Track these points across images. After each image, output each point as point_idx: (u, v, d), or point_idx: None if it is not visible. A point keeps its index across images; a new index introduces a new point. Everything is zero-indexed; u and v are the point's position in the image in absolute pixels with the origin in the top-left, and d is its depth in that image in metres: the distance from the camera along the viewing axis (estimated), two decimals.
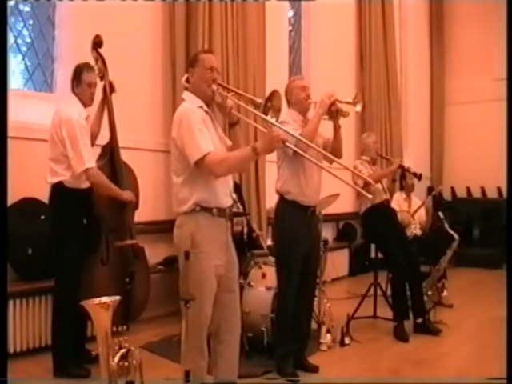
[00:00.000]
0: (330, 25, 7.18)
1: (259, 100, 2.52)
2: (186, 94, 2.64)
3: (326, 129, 3.48)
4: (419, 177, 5.01)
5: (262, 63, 5.57)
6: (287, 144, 2.55)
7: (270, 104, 2.47)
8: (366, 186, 4.41)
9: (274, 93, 2.51)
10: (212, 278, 2.54)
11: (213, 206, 2.54)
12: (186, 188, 2.53)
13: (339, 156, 3.48)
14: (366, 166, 4.58)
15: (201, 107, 2.58)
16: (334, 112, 3.30)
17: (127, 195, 3.49)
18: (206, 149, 2.44)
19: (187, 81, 2.67)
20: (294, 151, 3.22)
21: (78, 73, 3.33)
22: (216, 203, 2.55)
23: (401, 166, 4.75)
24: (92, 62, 3.51)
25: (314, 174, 3.40)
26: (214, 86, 2.59)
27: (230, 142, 2.73)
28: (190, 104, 2.58)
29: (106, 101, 3.57)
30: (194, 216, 2.52)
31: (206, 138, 2.48)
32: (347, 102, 3.29)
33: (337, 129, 3.40)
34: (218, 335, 2.66)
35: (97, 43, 3.58)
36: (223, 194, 2.60)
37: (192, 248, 2.44)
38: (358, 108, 3.27)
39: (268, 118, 2.48)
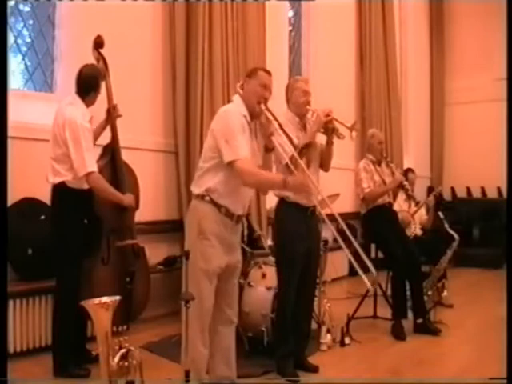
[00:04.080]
0: (329, 25, 7.18)
1: (296, 141, 2.67)
2: (236, 98, 2.74)
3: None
4: (416, 203, 5.21)
5: (262, 63, 5.56)
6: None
7: (306, 150, 2.55)
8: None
9: (310, 145, 2.75)
10: (216, 267, 2.61)
11: (222, 203, 2.60)
12: (207, 174, 2.63)
13: (325, 170, 3.54)
14: (370, 169, 4.49)
15: (245, 116, 2.65)
16: (329, 129, 3.29)
17: (128, 200, 3.48)
18: (242, 153, 2.54)
19: (242, 87, 2.76)
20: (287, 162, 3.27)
21: (98, 83, 3.35)
22: (229, 203, 2.62)
23: (401, 186, 4.62)
24: (93, 62, 3.51)
25: (312, 175, 3.39)
26: (263, 106, 2.67)
27: (261, 162, 2.79)
28: (237, 108, 2.67)
29: (109, 120, 3.57)
30: (202, 204, 2.62)
31: (242, 144, 2.57)
32: (344, 125, 3.26)
33: (329, 144, 3.39)
34: (214, 326, 2.72)
35: (98, 43, 3.58)
36: (241, 199, 2.69)
37: (198, 234, 2.58)
38: (354, 134, 3.26)
39: (302, 162, 2.67)
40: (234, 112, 2.66)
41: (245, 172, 2.54)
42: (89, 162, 3.16)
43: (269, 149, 2.78)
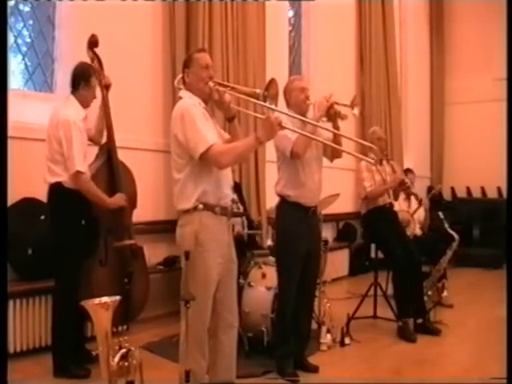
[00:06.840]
0: (330, 25, 7.18)
1: (258, 90, 2.56)
2: (184, 93, 2.66)
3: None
4: (420, 201, 5.14)
5: (262, 63, 5.57)
6: (284, 125, 2.55)
7: (267, 93, 2.50)
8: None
9: (271, 81, 2.54)
10: (215, 277, 2.57)
11: (215, 202, 2.55)
12: (188, 184, 2.53)
13: (339, 156, 3.48)
14: (371, 168, 4.48)
15: (199, 104, 2.60)
16: (332, 114, 3.28)
17: (114, 203, 3.41)
18: (211, 140, 2.47)
19: (183, 82, 2.69)
20: (291, 156, 3.24)
21: (87, 75, 3.34)
22: (219, 197, 2.57)
23: (401, 183, 4.52)
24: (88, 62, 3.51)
25: (314, 174, 3.40)
26: (211, 83, 2.61)
27: (227, 136, 2.76)
28: (189, 101, 2.59)
29: (104, 99, 3.56)
30: (197, 215, 2.53)
31: (209, 131, 2.51)
32: (344, 105, 3.25)
33: (336, 129, 3.37)
34: (216, 334, 2.67)
35: (92, 43, 3.55)
36: (226, 186, 2.63)
37: (196, 247, 2.47)
38: (356, 111, 3.24)
39: (267, 104, 2.49)
40: (188, 104, 2.55)
41: (219, 155, 2.45)
42: (78, 160, 3.16)
43: (231, 118, 2.71)
